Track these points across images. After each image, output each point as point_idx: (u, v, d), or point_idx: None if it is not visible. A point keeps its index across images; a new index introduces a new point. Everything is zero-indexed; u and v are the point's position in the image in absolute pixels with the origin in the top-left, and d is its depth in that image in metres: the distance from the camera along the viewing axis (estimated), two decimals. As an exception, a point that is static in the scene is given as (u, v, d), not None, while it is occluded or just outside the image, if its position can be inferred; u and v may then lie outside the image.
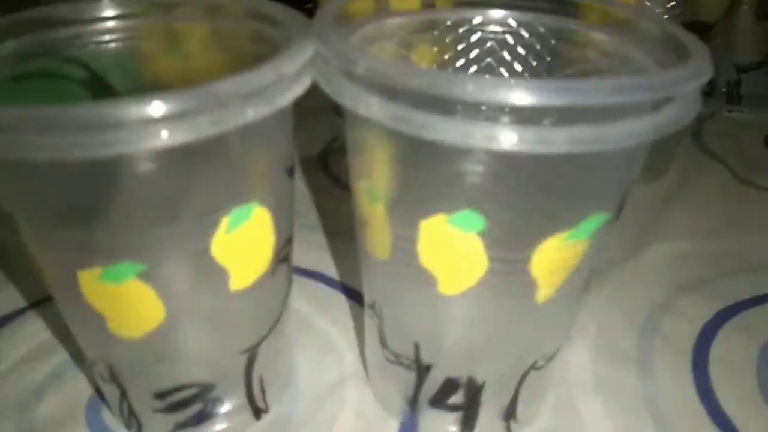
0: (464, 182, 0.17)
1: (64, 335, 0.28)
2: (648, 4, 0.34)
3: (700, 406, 0.25)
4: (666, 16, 0.34)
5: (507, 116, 0.16)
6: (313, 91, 0.18)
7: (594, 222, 0.18)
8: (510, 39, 0.24)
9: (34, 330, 0.29)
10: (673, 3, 0.34)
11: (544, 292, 0.19)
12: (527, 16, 0.23)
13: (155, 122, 0.14)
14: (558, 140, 0.15)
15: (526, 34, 0.23)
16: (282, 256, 0.21)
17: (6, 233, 0.18)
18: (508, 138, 0.15)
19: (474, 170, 0.17)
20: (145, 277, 0.18)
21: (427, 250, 0.19)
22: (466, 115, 0.15)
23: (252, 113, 0.16)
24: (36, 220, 0.18)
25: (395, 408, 0.24)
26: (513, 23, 0.23)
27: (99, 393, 0.25)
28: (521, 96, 0.14)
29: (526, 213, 0.18)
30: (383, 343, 0.23)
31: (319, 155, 0.43)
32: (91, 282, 0.18)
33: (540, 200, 0.18)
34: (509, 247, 0.18)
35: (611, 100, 0.14)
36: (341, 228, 0.32)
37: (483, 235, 0.18)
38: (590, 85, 0.15)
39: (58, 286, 0.19)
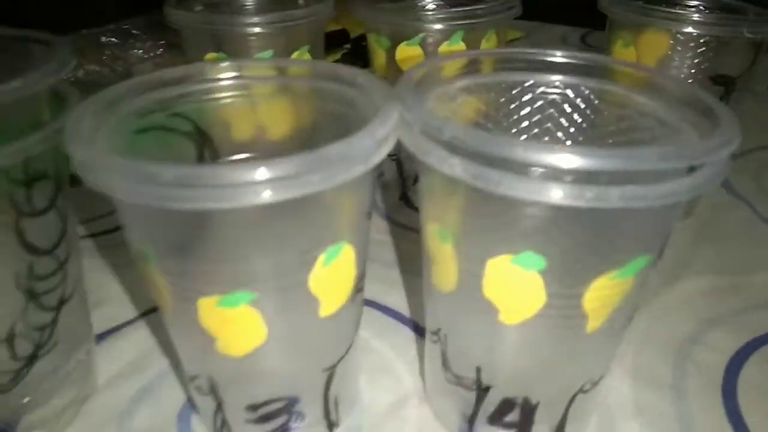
0: (528, 228, 0.20)
1: (155, 350, 0.32)
2: (676, 60, 0.37)
3: (731, 430, 0.28)
4: (693, 70, 0.38)
5: (569, 175, 0.19)
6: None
7: (640, 263, 0.21)
8: (558, 99, 0.27)
9: (127, 346, 0.32)
10: (700, 59, 0.37)
11: (593, 324, 0.22)
12: (573, 79, 0.26)
13: (276, 180, 0.18)
14: (612, 197, 0.18)
15: (572, 95, 0.26)
16: (360, 286, 0.25)
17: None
18: (570, 194, 0.18)
19: (536, 218, 0.20)
20: (254, 303, 0.21)
21: (492, 285, 0.22)
22: (535, 173, 0.19)
23: (352, 172, 0.19)
24: (167, 255, 0.21)
25: (453, 425, 0.27)
26: (560, 85, 0.26)
27: (191, 405, 0.28)
28: (581, 161, 0.17)
29: (580, 255, 0.21)
30: (445, 366, 0.26)
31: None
32: (209, 308, 0.21)
33: (593, 245, 0.21)
34: (565, 284, 0.21)
35: (657, 166, 0.18)
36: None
37: (543, 273, 0.21)
38: (640, 153, 0.18)
39: (174, 310, 0.23)
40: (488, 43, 0.40)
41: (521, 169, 0.18)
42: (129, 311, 0.35)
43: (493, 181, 0.18)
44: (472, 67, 0.26)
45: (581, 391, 0.25)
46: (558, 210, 0.20)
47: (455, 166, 0.19)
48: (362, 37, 0.68)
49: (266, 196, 0.18)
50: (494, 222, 0.21)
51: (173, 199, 0.18)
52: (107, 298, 0.35)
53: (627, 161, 0.17)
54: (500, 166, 0.18)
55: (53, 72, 0.23)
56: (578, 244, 0.21)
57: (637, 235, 0.21)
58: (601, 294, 0.21)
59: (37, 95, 0.23)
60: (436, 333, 0.26)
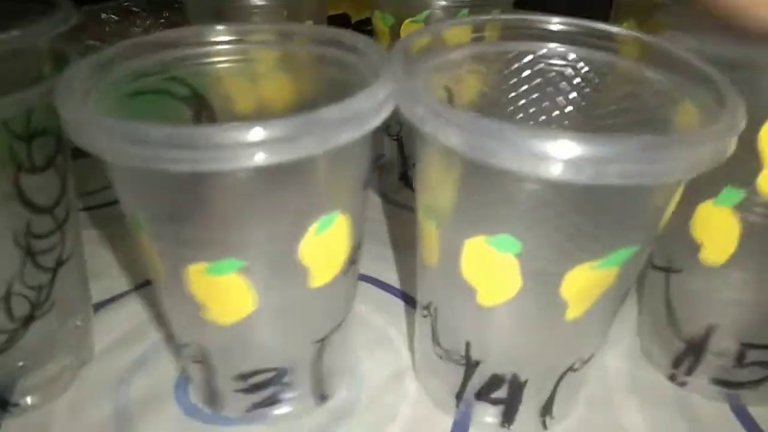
0: (506, 210, 0.20)
1: (152, 321, 0.32)
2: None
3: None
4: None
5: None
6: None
7: (622, 255, 0.21)
8: (563, 68, 0.26)
9: (124, 317, 0.32)
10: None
11: (573, 312, 0.22)
12: (580, 49, 0.26)
13: (270, 142, 0.18)
14: (610, 173, 0.17)
15: (578, 64, 0.26)
16: (354, 258, 0.25)
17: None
18: (568, 170, 0.17)
19: (516, 200, 0.20)
20: (243, 272, 0.21)
21: (469, 265, 0.22)
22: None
23: (347, 136, 0.19)
24: (158, 221, 0.21)
25: (441, 400, 0.27)
26: (566, 54, 0.26)
27: (186, 374, 0.28)
28: (570, 149, 0.17)
29: (558, 242, 0.20)
30: (435, 340, 0.26)
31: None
32: (198, 275, 0.21)
33: (572, 233, 0.20)
34: (541, 270, 0.21)
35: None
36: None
37: (519, 257, 0.21)
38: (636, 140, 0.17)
39: (165, 278, 0.23)
40: (493, 23, 0.40)
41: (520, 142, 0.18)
42: (126, 282, 0.35)
43: (487, 150, 0.18)
44: (475, 36, 0.26)
45: (571, 369, 0.25)
46: (536, 192, 0.19)
47: (450, 136, 0.19)
48: (364, 22, 0.67)
49: (260, 158, 0.18)
50: (475, 201, 0.21)
51: (163, 160, 0.17)
52: (105, 269, 0.35)
53: (613, 146, 0.17)
54: (497, 138, 0.18)
55: (53, 25, 0.23)
56: (556, 230, 0.20)
57: (617, 226, 0.20)
58: (580, 284, 0.21)
59: (37, 49, 0.23)
60: (426, 307, 0.26)
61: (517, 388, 0.25)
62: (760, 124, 0.22)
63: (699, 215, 0.25)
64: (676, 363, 0.29)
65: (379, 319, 0.33)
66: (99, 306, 0.33)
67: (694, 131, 0.21)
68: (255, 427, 0.26)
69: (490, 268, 0.22)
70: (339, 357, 0.27)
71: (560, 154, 0.17)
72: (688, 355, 0.28)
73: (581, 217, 0.20)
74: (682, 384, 0.29)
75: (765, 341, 0.27)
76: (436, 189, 0.23)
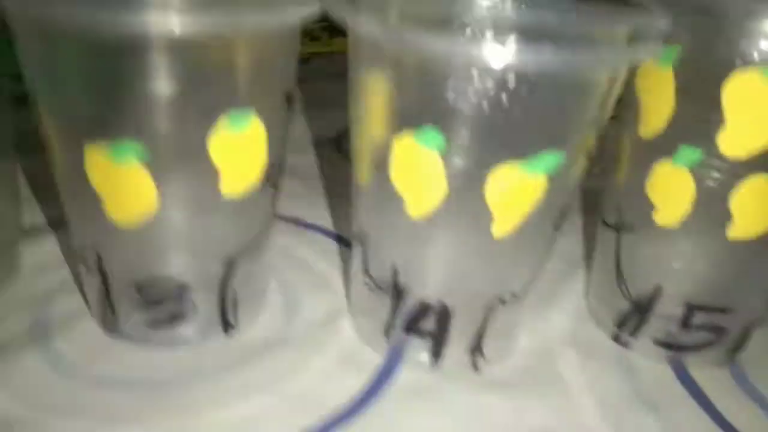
0: (431, 102, 0.20)
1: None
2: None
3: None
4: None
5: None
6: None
7: (548, 159, 0.20)
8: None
9: (53, 242, 0.31)
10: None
11: (500, 226, 0.21)
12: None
13: (174, 10, 0.17)
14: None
15: None
16: (271, 179, 0.24)
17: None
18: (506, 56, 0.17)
19: (441, 92, 0.19)
20: (146, 162, 0.20)
21: (397, 168, 0.21)
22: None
23: (264, 20, 0.18)
24: (54, 92, 0.20)
25: (373, 339, 0.26)
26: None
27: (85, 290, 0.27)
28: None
29: (481, 137, 0.20)
30: (366, 270, 0.25)
31: (334, 138, 0.45)
32: (96, 158, 0.20)
33: (495, 128, 0.19)
34: (465, 169, 0.20)
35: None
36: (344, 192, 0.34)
37: (443, 154, 0.20)
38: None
39: (64, 163, 0.21)
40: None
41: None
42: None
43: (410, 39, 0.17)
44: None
45: (500, 301, 0.24)
46: (461, 84, 0.19)
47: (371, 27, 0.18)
48: None
49: (170, 24, 0.17)
50: (401, 97, 0.20)
51: (61, 15, 0.17)
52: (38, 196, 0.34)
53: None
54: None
55: None
56: (479, 125, 0.19)
57: (542, 124, 0.20)
58: (504, 187, 0.20)
59: None
60: (357, 235, 0.25)
61: (444, 317, 0.24)
62: (722, 77, 0.21)
63: (656, 174, 0.24)
64: (621, 323, 0.28)
65: (322, 264, 0.32)
66: (33, 229, 0.32)
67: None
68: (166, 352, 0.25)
69: (416, 168, 0.21)
70: (251, 285, 0.26)
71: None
72: (634, 316, 0.27)
73: (502, 112, 0.19)
74: (626, 344, 0.28)
75: (711, 304, 0.26)
76: (367, 95, 0.22)
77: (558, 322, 0.29)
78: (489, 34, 0.20)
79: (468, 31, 0.22)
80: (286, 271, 0.31)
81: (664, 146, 0.24)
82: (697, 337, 0.26)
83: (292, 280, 0.30)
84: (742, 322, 0.26)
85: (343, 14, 0.19)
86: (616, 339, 0.28)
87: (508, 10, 0.18)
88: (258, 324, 0.27)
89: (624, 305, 0.27)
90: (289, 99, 0.23)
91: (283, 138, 0.24)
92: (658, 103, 0.23)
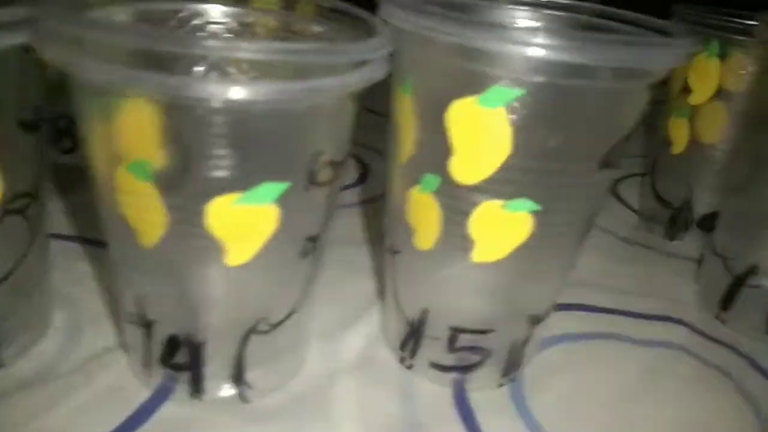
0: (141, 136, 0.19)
1: None
2: None
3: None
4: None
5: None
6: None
7: (269, 190, 0.20)
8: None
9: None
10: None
11: (235, 256, 0.21)
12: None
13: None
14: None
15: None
16: (14, 208, 0.23)
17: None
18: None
19: (157, 121, 0.19)
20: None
21: (120, 198, 0.21)
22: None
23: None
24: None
25: (141, 374, 0.25)
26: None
27: None
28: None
29: (196, 167, 0.19)
30: (121, 301, 0.24)
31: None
32: None
33: (211, 158, 0.19)
34: (181, 198, 0.20)
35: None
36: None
37: (156, 183, 0.19)
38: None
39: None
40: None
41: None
42: None
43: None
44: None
45: (255, 331, 0.23)
46: (179, 109, 0.18)
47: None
48: None
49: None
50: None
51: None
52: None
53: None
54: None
55: None
56: (192, 152, 0.19)
57: (259, 158, 0.20)
58: (227, 220, 0.20)
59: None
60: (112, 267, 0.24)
61: (195, 350, 0.23)
62: (444, 105, 0.22)
63: (410, 200, 0.25)
64: (403, 345, 0.28)
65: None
66: None
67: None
68: None
69: (132, 198, 0.20)
70: (27, 314, 0.25)
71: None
72: (411, 338, 0.27)
73: (220, 145, 0.19)
74: (410, 367, 0.28)
75: (473, 326, 0.26)
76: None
77: (352, 345, 0.29)
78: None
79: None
80: (74, 300, 0.30)
81: (413, 172, 0.24)
82: (465, 358, 0.27)
83: (78, 309, 0.29)
84: (506, 343, 0.26)
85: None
86: (402, 362, 0.28)
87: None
88: (32, 356, 0.26)
89: (403, 328, 0.28)
90: (28, 127, 0.22)
91: (31, 169, 0.23)
92: (406, 130, 0.24)
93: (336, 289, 0.32)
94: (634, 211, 0.47)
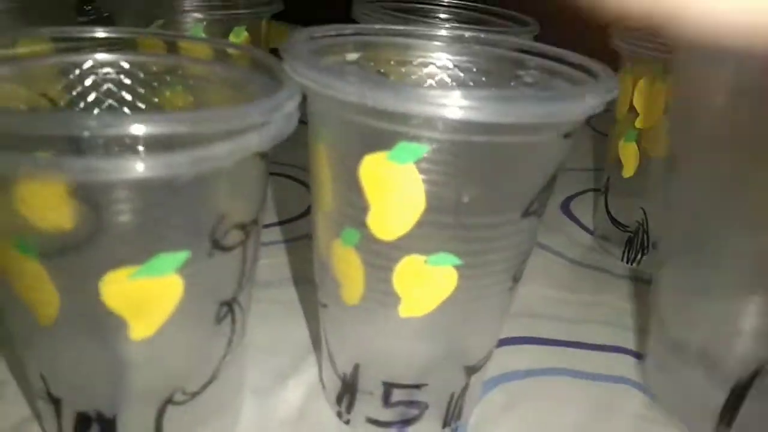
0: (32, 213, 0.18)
1: None
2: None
3: None
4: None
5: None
6: None
7: (166, 261, 0.19)
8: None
9: None
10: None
11: (138, 330, 0.20)
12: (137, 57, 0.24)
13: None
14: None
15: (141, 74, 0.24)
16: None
17: None
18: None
19: (40, 197, 0.17)
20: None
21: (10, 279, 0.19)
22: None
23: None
24: None
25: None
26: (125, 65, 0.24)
27: None
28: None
29: (85, 242, 0.18)
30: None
31: None
32: None
33: (101, 233, 0.18)
34: (71, 276, 0.19)
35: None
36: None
37: (42, 261, 0.18)
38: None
39: None
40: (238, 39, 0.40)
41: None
42: None
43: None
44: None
45: (171, 402, 0.22)
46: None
47: None
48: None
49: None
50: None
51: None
52: None
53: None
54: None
55: None
56: (80, 229, 0.18)
57: (149, 230, 0.18)
58: (127, 294, 0.19)
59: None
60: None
61: (107, 426, 0.22)
62: (357, 161, 0.21)
63: (334, 253, 0.24)
64: (339, 400, 0.27)
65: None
66: None
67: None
68: None
69: (18, 280, 0.19)
70: None
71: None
72: (346, 392, 0.26)
73: (97, 216, 0.18)
74: (348, 422, 0.27)
75: (406, 381, 0.25)
76: None
77: (290, 400, 0.28)
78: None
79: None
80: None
81: (335, 224, 0.23)
82: (402, 413, 0.25)
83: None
84: (443, 395, 0.25)
85: None
86: (340, 416, 0.27)
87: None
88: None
89: (338, 382, 0.26)
90: None
91: None
92: (324, 182, 0.23)
93: (273, 338, 0.31)
94: (587, 230, 0.46)
